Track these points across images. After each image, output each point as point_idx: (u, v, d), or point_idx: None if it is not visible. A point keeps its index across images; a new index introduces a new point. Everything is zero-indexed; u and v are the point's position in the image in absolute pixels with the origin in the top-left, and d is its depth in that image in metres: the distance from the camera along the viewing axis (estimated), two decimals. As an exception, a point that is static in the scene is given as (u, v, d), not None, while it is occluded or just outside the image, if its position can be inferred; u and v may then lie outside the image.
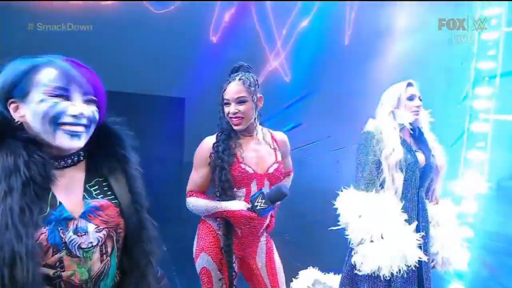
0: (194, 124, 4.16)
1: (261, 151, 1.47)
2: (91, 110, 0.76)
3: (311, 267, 2.31)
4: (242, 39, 4.46)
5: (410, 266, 1.41)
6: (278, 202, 1.36)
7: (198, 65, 4.21)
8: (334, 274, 2.20)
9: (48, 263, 0.69)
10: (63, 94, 0.72)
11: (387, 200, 1.47)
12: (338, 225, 1.52)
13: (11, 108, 0.72)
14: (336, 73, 4.43)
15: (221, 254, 1.44)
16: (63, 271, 0.70)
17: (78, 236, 0.72)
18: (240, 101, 1.38)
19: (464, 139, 3.42)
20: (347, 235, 1.50)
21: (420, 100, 1.59)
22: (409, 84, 1.59)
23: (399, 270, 1.39)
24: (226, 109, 1.41)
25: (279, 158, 1.51)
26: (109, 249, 0.77)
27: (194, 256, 1.52)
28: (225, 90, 1.41)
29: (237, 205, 1.37)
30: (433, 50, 3.54)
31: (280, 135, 1.59)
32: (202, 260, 1.47)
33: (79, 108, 0.74)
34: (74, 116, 0.73)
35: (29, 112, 0.71)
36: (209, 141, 1.46)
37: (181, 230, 2.35)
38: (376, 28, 4.24)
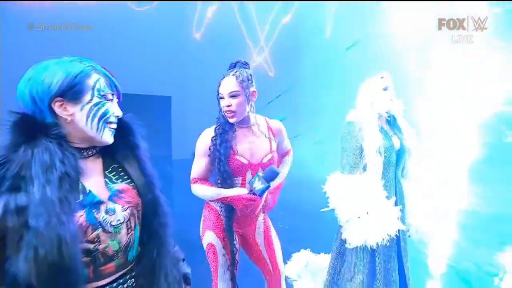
0: (181, 122, 4.19)
1: (256, 142, 1.55)
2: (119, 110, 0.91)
3: (303, 249, 2.47)
4: (225, 36, 4.49)
5: (391, 235, 1.60)
6: (272, 182, 1.49)
7: (183, 63, 4.22)
8: (325, 254, 2.35)
9: (89, 239, 0.81)
10: (111, 98, 0.87)
11: (370, 181, 1.64)
12: (327, 207, 1.69)
13: (56, 106, 0.80)
14: (318, 65, 4.52)
15: (224, 232, 1.57)
16: (100, 245, 0.83)
17: (109, 215, 0.85)
18: (233, 95, 1.45)
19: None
20: (336, 214, 1.67)
21: (393, 90, 1.75)
22: (382, 77, 1.75)
23: (383, 240, 1.57)
24: (221, 103, 1.49)
25: (274, 148, 1.60)
26: (133, 224, 0.90)
27: (200, 235, 1.65)
28: (220, 85, 1.49)
29: (239, 191, 1.48)
30: (409, 43, 3.74)
31: (276, 124, 1.65)
32: (208, 237, 1.60)
33: (119, 110, 0.89)
34: (117, 116, 0.88)
35: (81, 112, 0.82)
36: (208, 133, 1.55)
37: (173, 224, 2.41)
38: (356, 20, 4.31)
